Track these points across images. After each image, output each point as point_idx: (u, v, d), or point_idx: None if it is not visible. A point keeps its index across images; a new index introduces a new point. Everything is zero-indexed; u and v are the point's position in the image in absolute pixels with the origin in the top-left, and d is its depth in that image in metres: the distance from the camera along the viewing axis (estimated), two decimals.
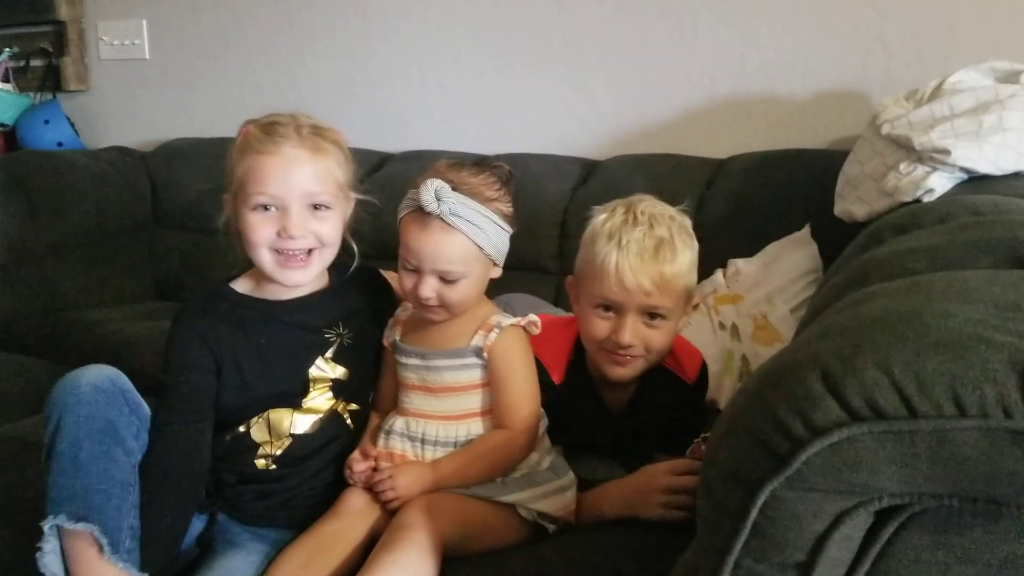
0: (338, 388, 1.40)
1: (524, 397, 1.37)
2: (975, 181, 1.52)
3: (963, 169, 1.52)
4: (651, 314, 1.42)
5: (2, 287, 2.53)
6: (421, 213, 1.29)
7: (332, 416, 1.40)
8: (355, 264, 1.45)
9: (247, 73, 3.01)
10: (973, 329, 0.72)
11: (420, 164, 2.50)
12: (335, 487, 1.38)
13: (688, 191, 2.17)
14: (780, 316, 1.83)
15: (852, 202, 1.69)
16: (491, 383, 1.37)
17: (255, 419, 1.37)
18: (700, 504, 0.83)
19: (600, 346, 1.46)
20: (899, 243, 1.19)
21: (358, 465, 1.36)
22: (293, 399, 1.38)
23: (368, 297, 1.48)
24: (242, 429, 1.37)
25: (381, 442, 1.39)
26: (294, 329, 1.38)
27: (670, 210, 1.47)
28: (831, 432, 0.70)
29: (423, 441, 1.36)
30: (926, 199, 1.51)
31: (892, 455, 0.70)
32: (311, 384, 1.38)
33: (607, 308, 1.44)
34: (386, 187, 2.51)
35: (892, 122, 1.67)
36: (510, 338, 1.37)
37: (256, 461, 1.37)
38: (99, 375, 1.26)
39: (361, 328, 1.43)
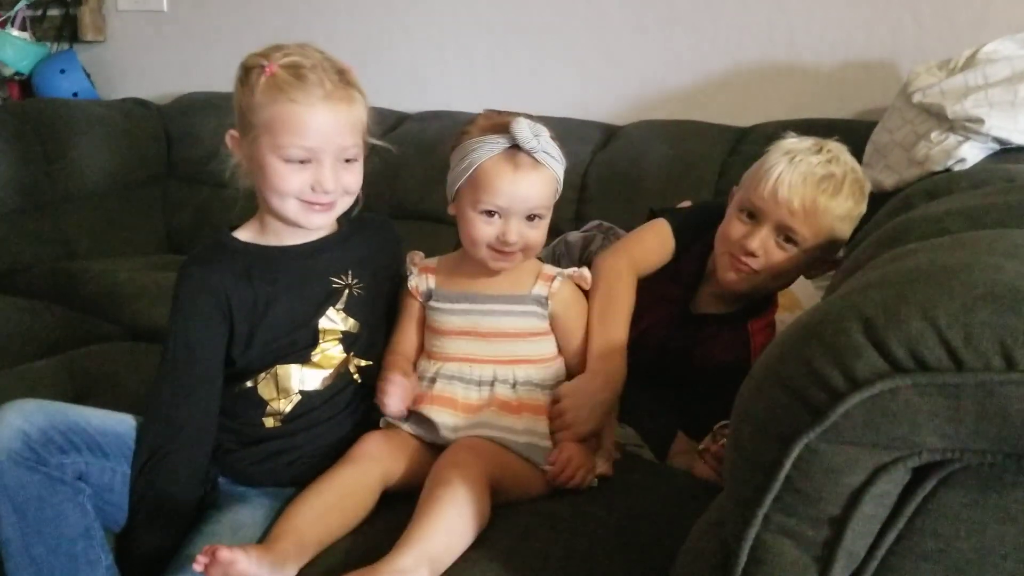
0: (348, 341, 1.37)
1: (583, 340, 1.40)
2: (1008, 152, 1.50)
3: (996, 139, 1.49)
4: (787, 237, 1.45)
5: (16, 234, 2.53)
6: (509, 154, 1.29)
7: (342, 372, 1.37)
8: (358, 209, 1.40)
9: (264, 27, 2.98)
10: (1023, 283, 0.70)
11: (438, 124, 2.51)
12: (341, 445, 1.35)
13: (711, 158, 2.17)
14: (799, 282, 1.80)
15: (880, 171, 1.66)
16: (559, 331, 1.40)
17: (262, 375, 1.33)
18: (729, 457, 0.82)
19: (727, 248, 1.51)
20: (934, 206, 1.17)
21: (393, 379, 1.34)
22: (301, 352, 1.34)
23: (379, 245, 1.44)
24: (249, 384, 1.34)
25: (435, 388, 1.36)
26: (301, 276, 1.35)
27: (858, 166, 1.49)
28: (872, 384, 0.69)
29: (484, 384, 1.35)
30: (957, 168, 1.49)
31: (935, 409, 0.68)
32: (320, 335, 1.35)
33: (751, 215, 1.48)
34: (403, 146, 2.51)
35: (924, 90, 1.64)
36: (572, 288, 1.40)
37: (264, 419, 1.34)
38: (12, 434, 1.19)
39: (372, 278, 1.40)
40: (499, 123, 1.30)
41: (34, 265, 2.49)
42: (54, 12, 3.28)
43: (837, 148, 1.48)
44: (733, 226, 1.51)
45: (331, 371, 1.36)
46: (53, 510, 1.19)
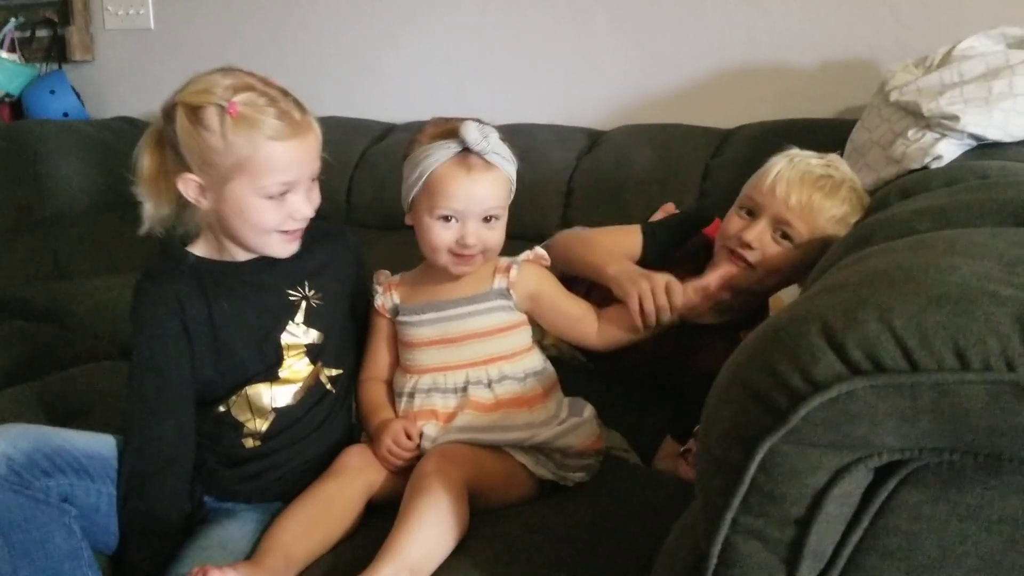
0: (315, 352, 1.36)
1: (579, 302, 1.43)
2: (984, 148, 1.50)
3: (972, 136, 1.50)
4: (783, 233, 1.50)
5: (7, 255, 2.53)
6: (461, 157, 1.30)
7: (313, 384, 1.37)
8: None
9: (250, 42, 2.99)
10: (977, 283, 0.71)
11: None
12: (326, 457, 1.36)
13: (695, 161, 2.18)
14: (791, 291, 1.81)
15: (859, 170, 1.67)
16: (543, 311, 1.42)
17: (233, 397, 1.33)
18: (699, 462, 0.83)
19: (724, 242, 1.56)
20: (904, 205, 1.18)
21: (407, 443, 1.32)
22: (269, 370, 1.34)
23: (334, 254, 1.43)
24: (222, 409, 1.33)
25: (415, 403, 1.36)
26: (255, 291, 1.34)
27: (857, 181, 1.54)
28: (831, 386, 0.69)
29: (459, 390, 1.35)
30: (934, 166, 1.49)
31: (893, 409, 0.69)
32: (284, 351, 1.34)
33: (749, 212, 1.54)
34: (391, 157, 2.52)
35: (901, 89, 1.65)
36: (533, 268, 1.41)
37: (243, 440, 1.34)
38: None
39: (329, 287, 1.39)
40: (448, 128, 1.32)
41: (27, 285, 2.49)
42: (43, 33, 3.30)
43: (838, 159, 1.55)
44: (732, 222, 1.56)
45: (301, 384, 1.35)
46: (39, 532, 1.19)
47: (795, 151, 1.54)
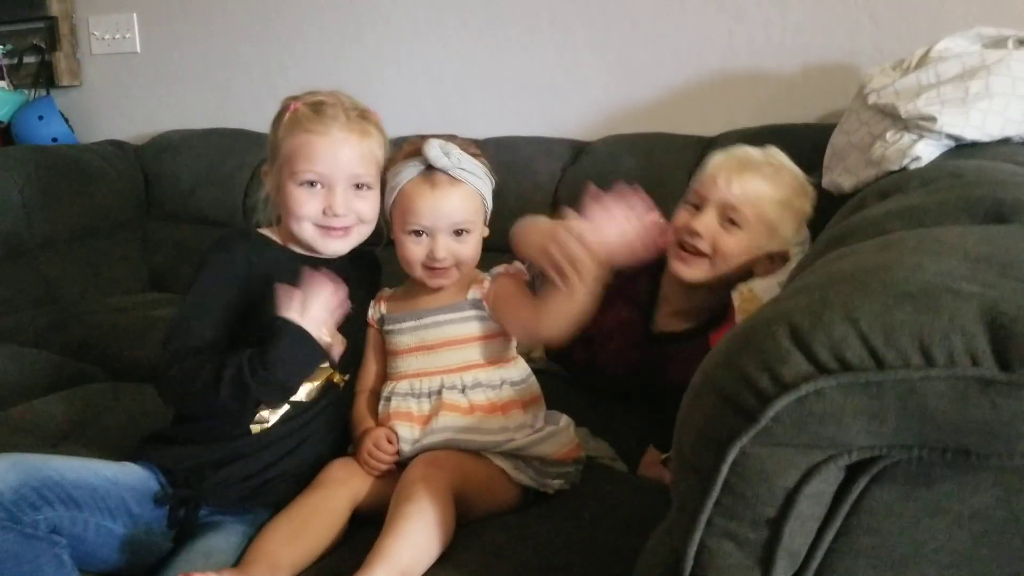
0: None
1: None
2: (962, 148, 1.50)
3: (949, 136, 1.50)
4: (730, 219, 1.54)
5: None
6: (427, 174, 1.36)
7: (328, 385, 1.41)
8: (384, 243, 1.48)
9: (237, 63, 3.01)
10: (942, 280, 0.71)
11: None
12: (318, 464, 1.38)
13: (678, 168, 2.18)
14: (766, 287, 1.81)
15: (839, 173, 1.67)
16: (499, 314, 1.40)
17: None
18: (673, 465, 0.83)
19: (675, 236, 1.58)
20: (879, 207, 1.18)
21: (387, 447, 1.35)
22: None
23: (368, 277, 1.54)
24: None
25: (391, 406, 1.39)
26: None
27: (798, 171, 1.59)
28: (798, 386, 0.70)
29: (434, 394, 1.38)
30: (912, 167, 1.49)
31: (860, 407, 0.69)
32: None
33: (696, 206, 1.58)
34: None
35: (878, 91, 1.66)
36: (505, 279, 1.43)
37: (252, 426, 1.36)
38: None
39: (359, 303, 1.46)
40: (416, 147, 1.37)
41: (17, 310, 2.50)
42: (30, 59, 3.32)
43: (775, 150, 1.61)
44: (680, 216, 1.60)
45: (316, 384, 1.40)
46: (30, 565, 1.18)
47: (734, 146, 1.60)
